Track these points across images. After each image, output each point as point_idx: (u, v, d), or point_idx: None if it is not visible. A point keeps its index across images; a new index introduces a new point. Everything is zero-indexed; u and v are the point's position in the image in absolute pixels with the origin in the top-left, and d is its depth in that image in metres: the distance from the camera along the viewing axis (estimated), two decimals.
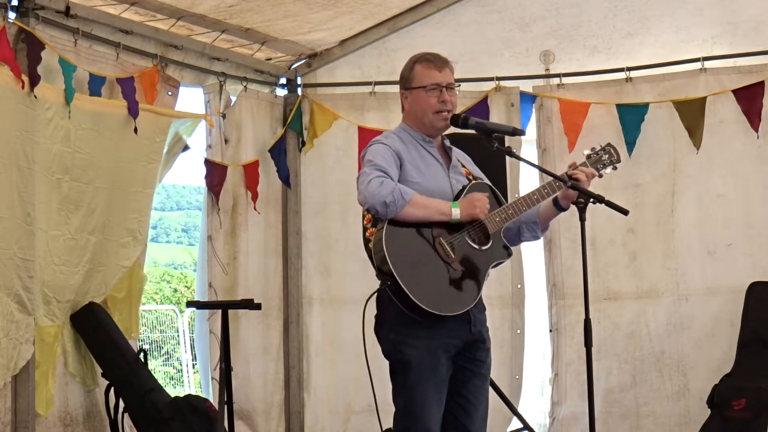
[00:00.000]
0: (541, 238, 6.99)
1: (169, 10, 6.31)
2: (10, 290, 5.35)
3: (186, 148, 6.69)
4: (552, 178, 4.22)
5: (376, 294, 4.06)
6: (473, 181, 4.23)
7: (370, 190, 3.91)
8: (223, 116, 6.96)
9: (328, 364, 7.37)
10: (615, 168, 4.40)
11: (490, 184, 4.32)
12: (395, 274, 3.87)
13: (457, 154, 4.34)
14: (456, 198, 4.11)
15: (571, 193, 4.17)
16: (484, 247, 4.07)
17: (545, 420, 7.15)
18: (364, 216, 4.11)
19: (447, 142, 4.29)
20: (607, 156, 4.36)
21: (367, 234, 4.06)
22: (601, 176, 4.35)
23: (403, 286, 3.87)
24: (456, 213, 3.99)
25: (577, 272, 6.90)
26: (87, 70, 5.82)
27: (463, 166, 4.32)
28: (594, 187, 4.29)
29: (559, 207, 4.24)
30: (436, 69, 4.17)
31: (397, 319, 3.98)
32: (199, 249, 7.23)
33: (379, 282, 4.04)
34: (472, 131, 4.21)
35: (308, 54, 7.52)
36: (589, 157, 4.35)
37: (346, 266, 7.29)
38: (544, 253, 7.13)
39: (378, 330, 4.10)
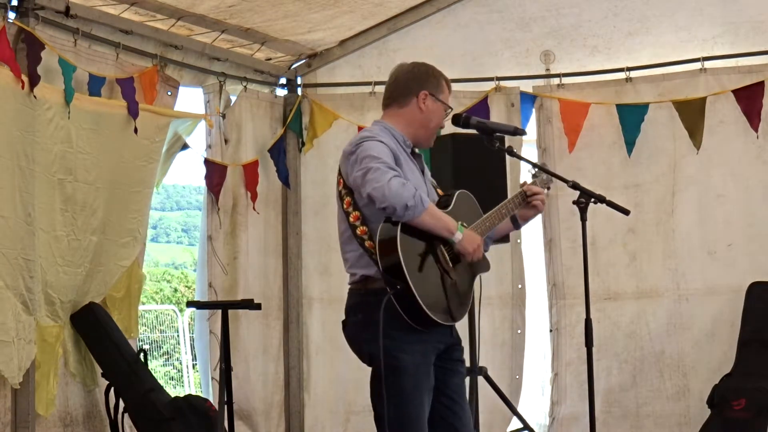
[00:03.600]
0: (542, 238, 7.12)
1: (169, 10, 6.31)
2: (16, 290, 5.36)
3: (185, 146, 6.69)
4: (517, 193, 4.22)
5: (365, 298, 3.95)
6: (459, 191, 4.18)
7: (393, 190, 3.76)
8: (223, 116, 6.96)
9: (328, 364, 7.37)
10: (548, 188, 4.39)
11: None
12: (409, 280, 3.80)
13: None
14: (444, 206, 4.05)
15: (530, 213, 4.21)
16: None
17: (545, 420, 7.14)
18: (349, 213, 3.97)
19: (415, 150, 4.20)
20: (545, 176, 4.37)
21: (358, 232, 3.93)
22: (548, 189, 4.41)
23: (416, 294, 3.80)
24: (458, 237, 3.93)
25: (577, 272, 6.90)
26: (87, 71, 5.82)
27: None
28: (594, 186, 4.32)
29: (516, 224, 4.27)
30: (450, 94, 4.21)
31: (390, 324, 3.86)
32: (199, 249, 7.23)
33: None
34: (473, 131, 4.21)
35: (308, 54, 7.52)
36: (535, 176, 4.37)
37: None
38: (545, 253, 7.14)
39: (361, 334, 3.97)
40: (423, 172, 4.17)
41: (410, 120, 4.10)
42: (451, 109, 4.16)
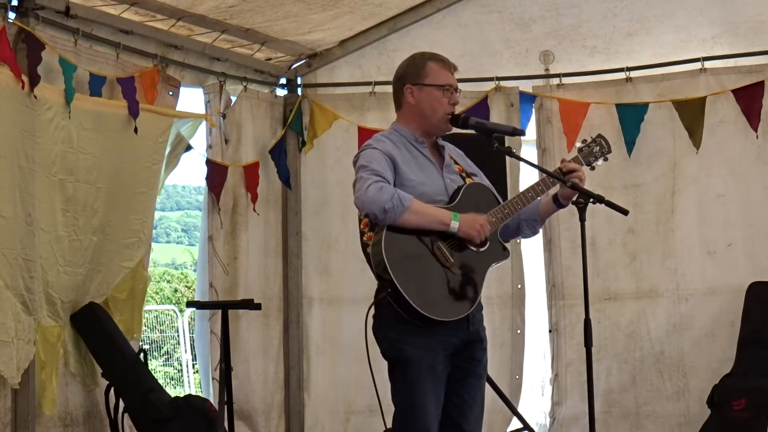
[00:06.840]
0: (541, 239, 7.12)
1: (169, 11, 6.32)
2: (16, 290, 5.36)
3: (188, 148, 6.69)
4: (545, 176, 4.21)
5: (377, 297, 4.04)
6: (468, 182, 4.20)
7: (369, 196, 3.88)
8: (223, 116, 6.96)
9: (328, 364, 7.37)
10: (606, 159, 4.38)
11: (486, 181, 4.32)
12: (395, 281, 3.86)
13: (450, 150, 4.31)
14: (451, 199, 4.10)
15: (570, 191, 4.17)
16: (482, 249, 4.07)
17: (545, 420, 7.15)
18: (360, 220, 4.08)
19: (440, 141, 4.27)
20: (598, 148, 4.35)
21: (365, 238, 4.03)
22: (593, 168, 4.35)
23: (404, 294, 3.86)
24: (455, 226, 3.97)
25: (576, 272, 6.90)
26: (87, 70, 5.82)
27: (456, 162, 4.28)
28: (594, 186, 4.29)
29: (558, 204, 4.23)
30: (449, 71, 4.19)
31: (396, 318, 3.96)
32: (200, 249, 7.23)
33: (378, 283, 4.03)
34: (472, 131, 4.21)
35: (308, 54, 7.52)
36: (580, 150, 4.34)
37: (345, 266, 7.29)
38: (544, 254, 7.13)
39: (377, 329, 4.09)
40: (442, 166, 4.18)
41: (410, 116, 4.19)
42: (449, 86, 4.14)
